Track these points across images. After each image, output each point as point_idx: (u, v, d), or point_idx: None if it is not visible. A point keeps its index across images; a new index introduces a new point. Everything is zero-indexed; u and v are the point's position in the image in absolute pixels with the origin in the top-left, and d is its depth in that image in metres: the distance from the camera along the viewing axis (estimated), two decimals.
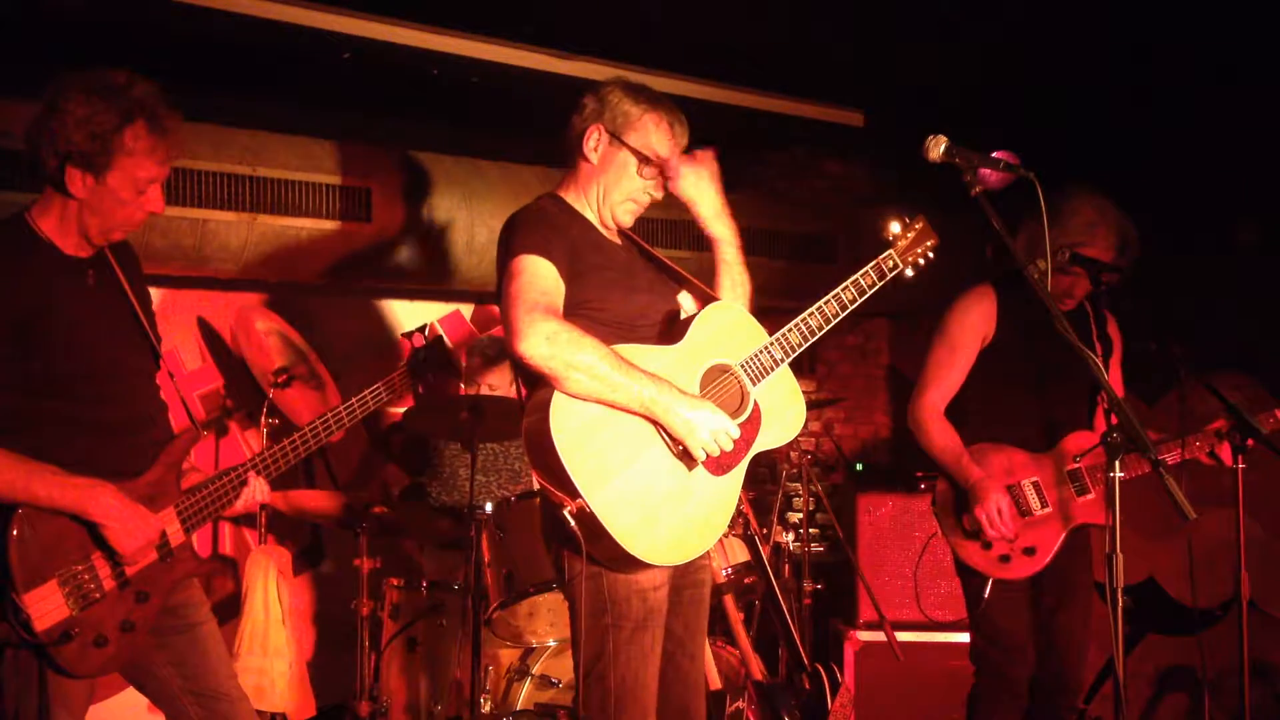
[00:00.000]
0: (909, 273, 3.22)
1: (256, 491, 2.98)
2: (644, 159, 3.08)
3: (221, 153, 4.52)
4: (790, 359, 3.06)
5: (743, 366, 3.00)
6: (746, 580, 4.73)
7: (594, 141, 3.09)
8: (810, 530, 5.26)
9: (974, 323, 3.87)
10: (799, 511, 5.38)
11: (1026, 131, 4.92)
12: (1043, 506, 3.80)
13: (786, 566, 5.15)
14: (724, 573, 4.27)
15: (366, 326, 5.68)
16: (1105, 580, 2.79)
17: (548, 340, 2.78)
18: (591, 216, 3.13)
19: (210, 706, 2.97)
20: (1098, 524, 3.82)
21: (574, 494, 2.75)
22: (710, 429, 2.84)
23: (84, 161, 2.70)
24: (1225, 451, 3.78)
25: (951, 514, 3.87)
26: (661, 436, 2.87)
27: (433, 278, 5.21)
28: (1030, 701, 3.87)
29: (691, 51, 5.39)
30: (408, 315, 5.71)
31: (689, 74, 5.56)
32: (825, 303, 3.11)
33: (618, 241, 3.18)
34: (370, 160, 4.94)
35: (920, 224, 3.24)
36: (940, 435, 3.85)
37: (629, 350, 2.90)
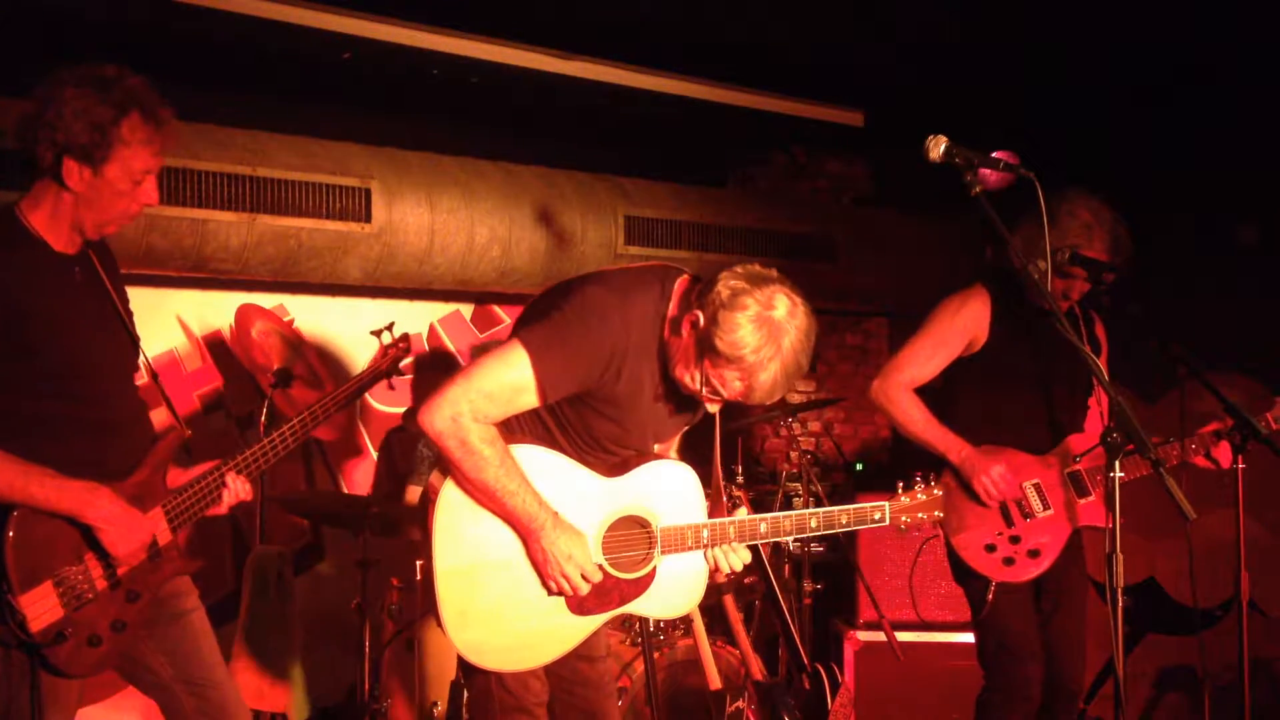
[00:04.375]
0: (898, 528, 3.12)
1: (238, 490, 2.97)
2: (716, 394, 2.80)
3: (221, 153, 4.52)
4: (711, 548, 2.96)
5: (662, 531, 2.92)
6: (746, 580, 4.74)
7: (686, 328, 2.77)
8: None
9: (964, 322, 3.85)
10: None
11: (1026, 131, 4.92)
12: (1045, 508, 3.79)
13: (786, 566, 5.14)
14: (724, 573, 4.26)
15: (366, 326, 5.67)
16: (1105, 580, 2.78)
17: (457, 443, 2.70)
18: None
19: (202, 694, 2.98)
20: (1100, 526, 3.81)
21: (428, 557, 2.78)
22: (562, 570, 2.80)
23: (82, 153, 2.68)
24: (1220, 453, 3.78)
25: (956, 514, 3.85)
26: None
27: (432, 278, 5.21)
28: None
29: (691, 51, 5.39)
30: (408, 315, 5.72)
31: (689, 74, 5.57)
32: (785, 516, 3.00)
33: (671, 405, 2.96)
34: (370, 160, 4.94)
35: (940, 490, 3.14)
36: (916, 407, 3.79)
37: (551, 460, 2.84)
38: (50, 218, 2.77)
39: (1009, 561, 3.78)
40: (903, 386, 3.83)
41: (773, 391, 2.73)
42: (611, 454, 2.95)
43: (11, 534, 2.65)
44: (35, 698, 2.73)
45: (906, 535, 3.19)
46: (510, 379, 2.73)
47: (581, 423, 2.87)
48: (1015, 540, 3.78)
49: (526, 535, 2.81)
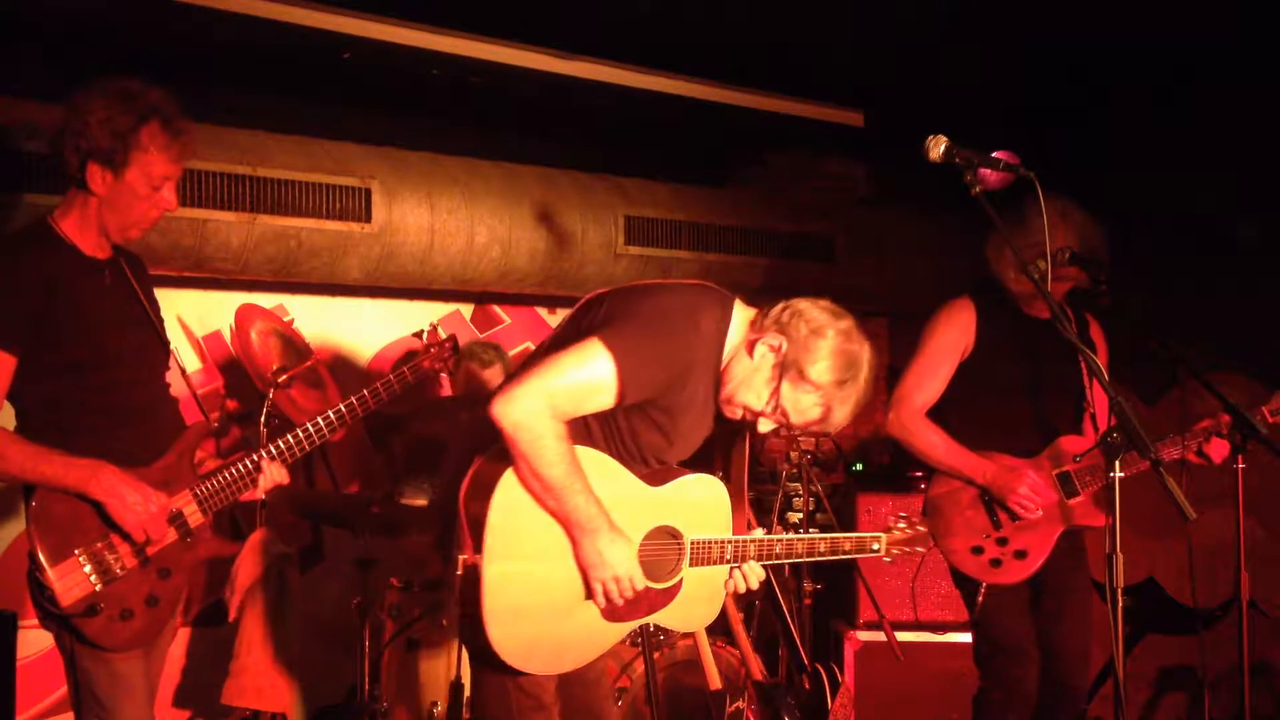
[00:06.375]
0: (886, 560, 3.23)
1: (273, 475, 3.18)
2: (784, 419, 2.85)
3: (221, 153, 4.52)
4: (732, 565, 2.99)
5: (693, 544, 2.95)
6: None
7: (760, 352, 2.83)
8: (810, 530, 5.26)
9: (954, 335, 3.89)
10: (799, 511, 5.37)
11: (1026, 131, 4.92)
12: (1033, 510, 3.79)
13: (787, 566, 5.14)
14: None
15: (366, 327, 5.68)
16: (1105, 580, 2.79)
17: (532, 436, 2.66)
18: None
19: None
20: (1089, 525, 3.82)
21: (477, 550, 2.71)
22: (614, 574, 2.78)
23: (104, 158, 2.90)
24: (1213, 449, 3.79)
25: (944, 519, 3.86)
26: None
27: (432, 278, 5.21)
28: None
29: (692, 51, 5.39)
30: (408, 315, 5.72)
31: (689, 74, 5.56)
32: (798, 539, 3.05)
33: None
34: (370, 160, 4.93)
35: (923, 527, 3.26)
36: (937, 434, 3.84)
37: (604, 464, 2.83)
38: (79, 222, 3.01)
39: (996, 564, 3.79)
40: (916, 415, 3.87)
41: (844, 420, 2.84)
42: (649, 465, 2.95)
43: (34, 513, 2.86)
44: (71, 673, 2.93)
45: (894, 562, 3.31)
46: (589, 378, 2.71)
47: (630, 432, 2.87)
48: (1002, 542, 3.79)
49: (581, 536, 2.77)
